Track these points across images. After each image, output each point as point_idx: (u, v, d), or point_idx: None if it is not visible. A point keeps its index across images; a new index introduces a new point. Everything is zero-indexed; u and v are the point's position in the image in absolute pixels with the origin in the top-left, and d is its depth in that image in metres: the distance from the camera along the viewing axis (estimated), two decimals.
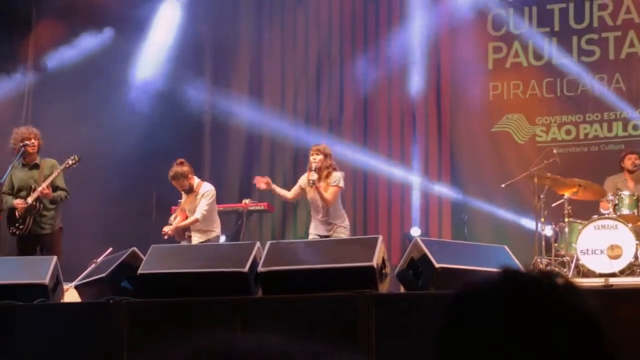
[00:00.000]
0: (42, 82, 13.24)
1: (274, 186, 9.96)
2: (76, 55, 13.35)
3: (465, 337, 1.37)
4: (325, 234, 9.70)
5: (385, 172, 13.23)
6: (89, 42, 13.45)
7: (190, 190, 10.18)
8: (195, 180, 10.25)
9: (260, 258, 6.64)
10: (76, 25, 13.38)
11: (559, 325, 1.35)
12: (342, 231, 9.79)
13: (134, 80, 13.59)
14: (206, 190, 10.19)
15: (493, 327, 1.35)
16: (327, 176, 9.71)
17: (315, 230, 9.81)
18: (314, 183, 9.63)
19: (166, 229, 10.07)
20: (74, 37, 13.31)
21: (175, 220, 10.17)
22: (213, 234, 10.18)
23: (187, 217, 10.13)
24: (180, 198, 10.44)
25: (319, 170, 9.67)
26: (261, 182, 9.90)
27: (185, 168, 10.11)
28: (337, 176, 9.73)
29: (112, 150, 12.46)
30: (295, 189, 10.01)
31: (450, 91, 13.08)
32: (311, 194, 9.79)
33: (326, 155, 9.75)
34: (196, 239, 10.04)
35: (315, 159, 9.69)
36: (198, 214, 10.04)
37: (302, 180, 9.95)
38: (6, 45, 13.22)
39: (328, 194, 9.65)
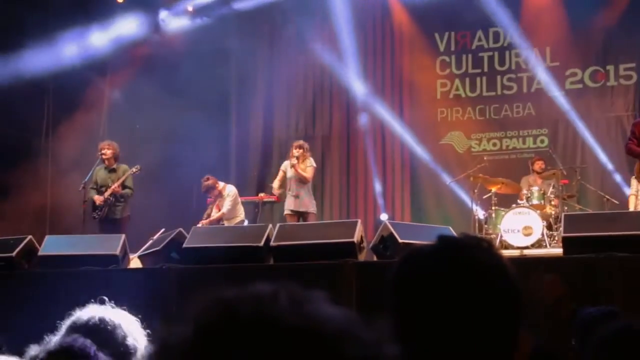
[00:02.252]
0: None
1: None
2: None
3: (409, 284, 1.33)
4: (297, 209, 9.55)
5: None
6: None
7: (220, 194, 10.24)
8: (221, 185, 10.28)
9: (272, 236, 6.65)
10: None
11: (480, 274, 1.32)
12: (312, 209, 9.65)
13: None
14: (229, 191, 10.26)
15: (430, 276, 1.32)
16: (304, 160, 9.65)
17: (289, 206, 9.63)
18: (293, 165, 9.55)
19: (200, 224, 9.97)
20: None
21: (212, 214, 10.21)
22: (238, 219, 10.24)
23: (220, 210, 10.19)
24: None
25: (298, 158, 9.61)
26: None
27: (211, 181, 10.17)
28: (311, 160, 9.74)
29: (174, 150, 12.09)
30: (279, 176, 9.87)
31: (410, 115, 13.07)
32: (290, 173, 9.65)
33: (304, 149, 9.70)
34: (226, 224, 10.08)
35: (297, 152, 9.63)
36: (224, 209, 10.13)
37: (284, 165, 9.87)
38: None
39: (306, 173, 9.59)
